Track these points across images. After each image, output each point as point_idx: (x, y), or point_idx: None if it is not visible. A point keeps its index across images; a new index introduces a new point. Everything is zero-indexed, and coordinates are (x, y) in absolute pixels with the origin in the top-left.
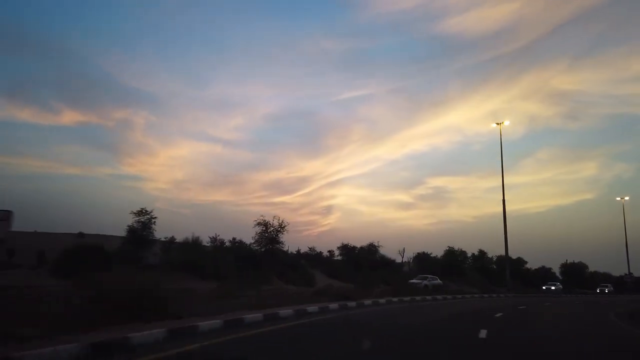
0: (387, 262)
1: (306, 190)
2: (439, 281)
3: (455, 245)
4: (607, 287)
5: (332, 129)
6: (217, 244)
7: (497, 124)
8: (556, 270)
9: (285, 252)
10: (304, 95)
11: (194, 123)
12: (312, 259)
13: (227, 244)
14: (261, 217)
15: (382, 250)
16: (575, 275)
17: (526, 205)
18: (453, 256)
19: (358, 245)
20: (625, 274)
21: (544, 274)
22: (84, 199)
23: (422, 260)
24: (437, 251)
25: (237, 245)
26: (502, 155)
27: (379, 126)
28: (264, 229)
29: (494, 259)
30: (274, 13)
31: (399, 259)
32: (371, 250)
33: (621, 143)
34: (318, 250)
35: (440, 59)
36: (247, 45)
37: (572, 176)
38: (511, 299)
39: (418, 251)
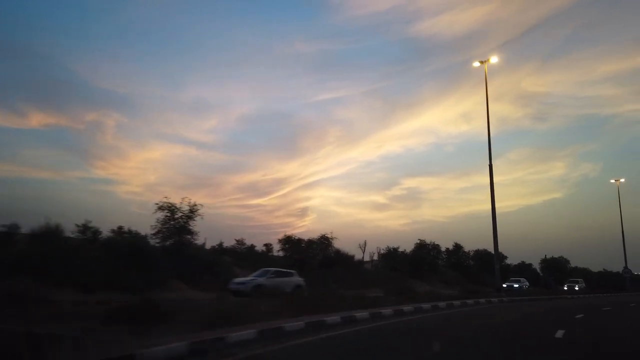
0: (344, 259)
1: (282, 192)
2: None
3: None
4: (577, 282)
5: (308, 130)
6: (89, 236)
7: (481, 62)
8: (536, 265)
9: (201, 247)
10: (280, 97)
11: (167, 125)
12: (241, 256)
13: (107, 234)
14: (165, 199)
15: (338, 245)
16: (556, 270)
17: (497, 205)
18: (424, 250)
19: (306, 238)
20: (624, 269)
21: (525, 270)
22: (54, 203)
23: (390, 257)
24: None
25: (127, 237)
26: (488, 119)
27: (354, 128)
28: (168, 215)
29: (471, 253)
30: (249, 15)
31: (359, 255)
32: (323, 244)
33: (588, 143)
34: (249, 243)
35: (414, 61)
36: (221, 47)
37: (541, 176)
38: (522, 307)
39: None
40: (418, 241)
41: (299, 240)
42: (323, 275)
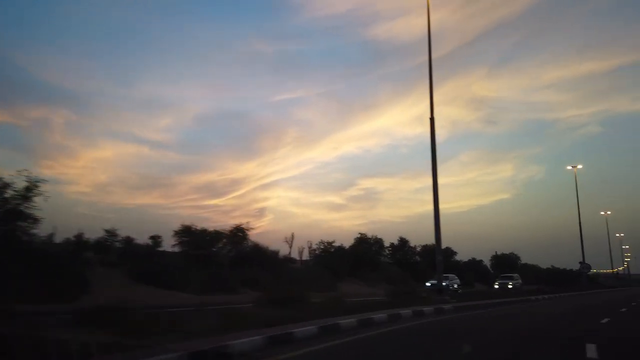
0: (264, 255)
1: (239, 193)
2: None
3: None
4: (511, 279)
5: (266, 130)
6: None
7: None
8: (487, 262)
9: (47, 240)
10: (237, 97)
11: (119, 123)
12: (111, 251)
13: None
14: None
15: (258, 238)
16: (507, 266)
17: (450, 205)
18: (365, 245)
19: (211, 229)
20: (582, 264)
21: (475, 266)
22: None
23: (325, 253)
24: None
25: None
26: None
27: (312, 128)
28: None
29: (418, 248)
30: (207, 13)
31: (286, 250)
32: (237, 237)
33: (534, 146)
34: (123, 235)
35: (371, 64)
36: (178, 44)
37: (491, 177)
38: (474, 328)
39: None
40: (359, 235)
41: (202, 232)
42: (226, 276)
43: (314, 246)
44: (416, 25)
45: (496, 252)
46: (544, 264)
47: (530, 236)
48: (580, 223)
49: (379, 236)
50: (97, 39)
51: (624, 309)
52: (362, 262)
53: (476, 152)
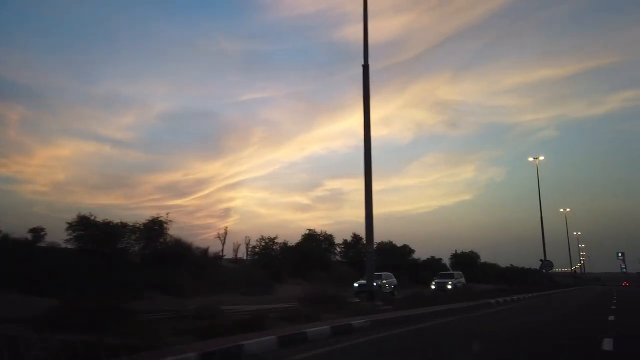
0: (187, 253)
1: (204, 193)
2: None
3: None
4: (451, 277)
5: (232, 130)
6: None
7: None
8: (446, 261)
9: None
10: (204, 95)
11: (79, 120)
12: None
13: None
14: None
15: (175, 230)
16: (466, 265)
17: (413, 206)
18: (313, 242)
19: (117, 221)
20: (544, 262)
21: (435, 265)
22: None
23: (265, 251)
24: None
25: None
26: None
27: (279, 129)
28: None
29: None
30: (174, 9)
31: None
32: (152, 230)
33: (494, 149)
34: None
35: (338, 65)
36: (141, 40)
37: (454, 179)
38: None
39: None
40: (307, 231)
41: (105, 225)
42: (133, 278)
43: (254, 243)
44: (383, 27)
45: (456, 250)
46: (504, 263)
47: (491, 236)
48: (541, 218)
49: (329, 232)
50: (56, 34)
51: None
52: (308, 260)
53: (440, 154)
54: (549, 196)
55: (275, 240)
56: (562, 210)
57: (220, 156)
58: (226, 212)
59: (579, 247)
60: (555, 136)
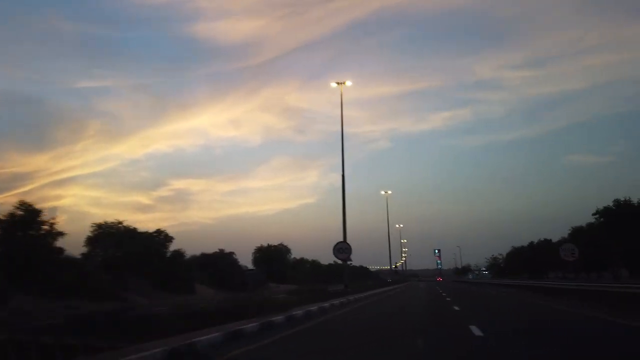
0: None
1: (24, 189)
2: None
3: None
4: None
5: (63, 120)
6: None
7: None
8: (249, 256)
9: None
10: (30, 79)
11: None
12: None
13: None
14: None
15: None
16: (273, 260)
17: (260, 208)
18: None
19: None
20: (339, 243)
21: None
22: None
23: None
24: None
25: None
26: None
27: (120, 122)
28: None
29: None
30: None
31: None
32: None
33: (335, 156)
34: None
35: (189, 62)
36: None
37: (299, 183)
38: None
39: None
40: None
41: None
42: None
43: None
44: (237, 28)
45: (261, 244)
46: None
47: (326, 237)
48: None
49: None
50: None
51: None
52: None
53: (286, 158)
54: (378, 198)
55: None
56: (383, 192)
57: (46, 148)
58: (50, 212)
59: (401, 242)
60: (388, 147)
